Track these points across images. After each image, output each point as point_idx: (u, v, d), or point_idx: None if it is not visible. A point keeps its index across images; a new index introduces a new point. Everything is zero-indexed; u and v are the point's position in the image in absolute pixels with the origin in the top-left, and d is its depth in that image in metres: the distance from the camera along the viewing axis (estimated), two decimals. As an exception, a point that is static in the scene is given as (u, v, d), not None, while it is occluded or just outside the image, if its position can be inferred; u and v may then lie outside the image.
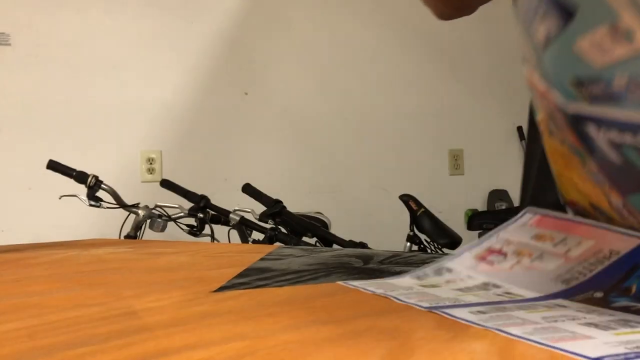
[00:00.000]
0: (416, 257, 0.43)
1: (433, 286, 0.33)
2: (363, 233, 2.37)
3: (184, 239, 1.91)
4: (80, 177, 1.60)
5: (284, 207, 1.54)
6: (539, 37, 0.30)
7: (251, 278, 0.34)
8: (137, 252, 0.53)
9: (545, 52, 0.30)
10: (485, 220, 1.88)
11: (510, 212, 1.84)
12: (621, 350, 0.20)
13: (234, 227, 1.60)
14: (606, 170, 0.30)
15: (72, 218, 2.06)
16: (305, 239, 1.54)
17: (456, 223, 2.45)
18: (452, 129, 2.59)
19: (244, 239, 1.60)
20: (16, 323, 0.23)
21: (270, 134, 2.33)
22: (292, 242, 1.46)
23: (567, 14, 0.27)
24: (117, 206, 1.63)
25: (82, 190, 1.62)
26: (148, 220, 1.62)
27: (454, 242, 1.78)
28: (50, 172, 1.65)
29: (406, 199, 1.86)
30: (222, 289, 0.30)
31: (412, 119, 2.53)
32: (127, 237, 1.65)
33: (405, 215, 1.87)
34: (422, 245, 1.84)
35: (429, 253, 1.58)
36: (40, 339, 0.20)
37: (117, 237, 1.78)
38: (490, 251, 0.36)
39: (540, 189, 0.55)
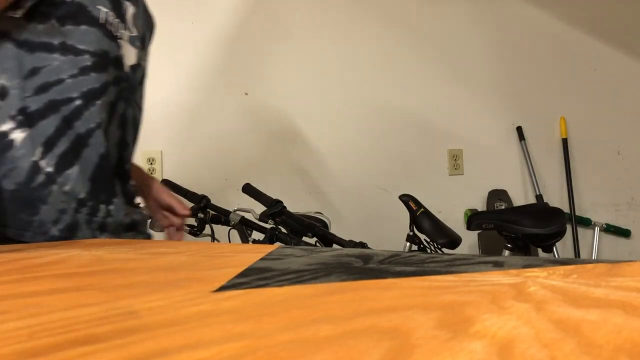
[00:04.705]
0: (416, 257, 0.43)
1: None
2: (363, 233, 2.38)
3: (184, 239, 1.91)
4: (80, 177, 1.60)
5: (284, 207, 1.54)
6: None
7: (251, 278, 0.34)
8: (137, 252, 0.53)
9: None
10: (484, 220, 1.88)
11: (510, 212, 1.83)
12: None
13: (234, 227, 1.60)
14: None
15: (72, 218, 2.06)
16: (305, 239, 1.54)
17: (456, 223, 2.46)
18: (452, 129, 2.59)
19: (244, 239, 1.60)
20: (16, 323, 0.23)
21: (270, 134, 2.33)
22: (292, 242, 1.46)
23: None
24: (117, 206, 1.62)
25: (82, 190, 1.62)
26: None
27: (453, 242, 1.78)
28: (50, 172, 1.64)
29: (406, 199, 1.87)
30: (222, 289, 0.30)
31: (412, 119, 2.53)
32: (127, 237, 1.65)
33: (405, 215, 1.87)
34: (421, 245, 1.85)
35: (429, 253, 1.58)
36: (40, 338, 0.20)
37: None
38: None
39: None
